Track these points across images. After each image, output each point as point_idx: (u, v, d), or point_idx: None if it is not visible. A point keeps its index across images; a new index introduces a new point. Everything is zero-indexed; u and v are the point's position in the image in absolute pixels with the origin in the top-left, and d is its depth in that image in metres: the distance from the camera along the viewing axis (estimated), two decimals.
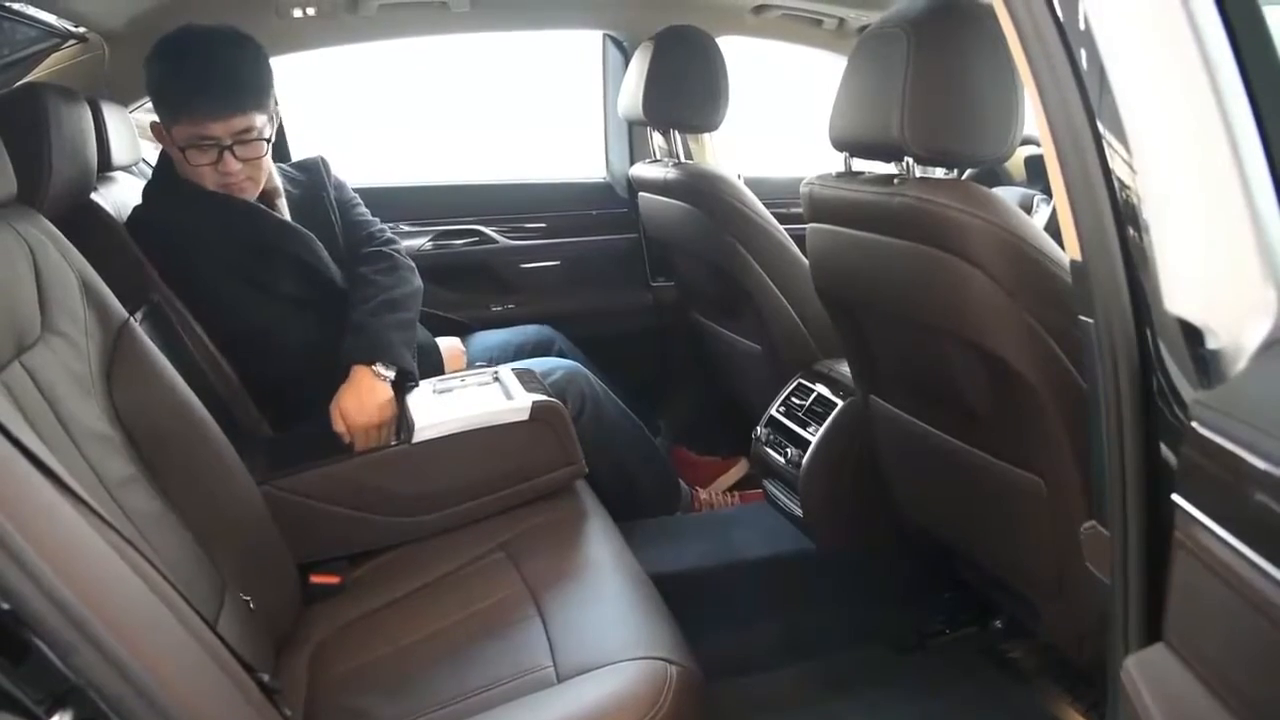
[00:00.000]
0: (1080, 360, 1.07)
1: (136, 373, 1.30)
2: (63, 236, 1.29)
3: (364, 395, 1.59)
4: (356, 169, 1.99)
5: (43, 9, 1.64)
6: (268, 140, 1.65)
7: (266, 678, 0.95)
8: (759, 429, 2.00)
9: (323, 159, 1.90)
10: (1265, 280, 0.64)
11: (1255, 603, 0.58)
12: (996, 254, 1.19)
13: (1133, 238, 0.79)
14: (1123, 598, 0.84)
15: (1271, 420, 0.60)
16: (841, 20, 2.47)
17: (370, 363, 1.62)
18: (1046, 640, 1.59)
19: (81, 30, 1.84)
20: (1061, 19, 0.81)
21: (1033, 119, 0.89)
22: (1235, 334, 0.66)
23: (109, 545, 0.84)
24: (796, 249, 1.94)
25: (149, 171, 1.88)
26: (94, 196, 1.62)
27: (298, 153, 2.18)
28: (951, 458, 1.45)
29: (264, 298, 1.66)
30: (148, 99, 2.01)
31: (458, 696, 1.15)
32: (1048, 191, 2.16)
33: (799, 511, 1.85)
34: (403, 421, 1.58)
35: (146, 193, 1.72)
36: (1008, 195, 1.79)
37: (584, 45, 2.63)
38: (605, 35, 2.55)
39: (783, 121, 3.48)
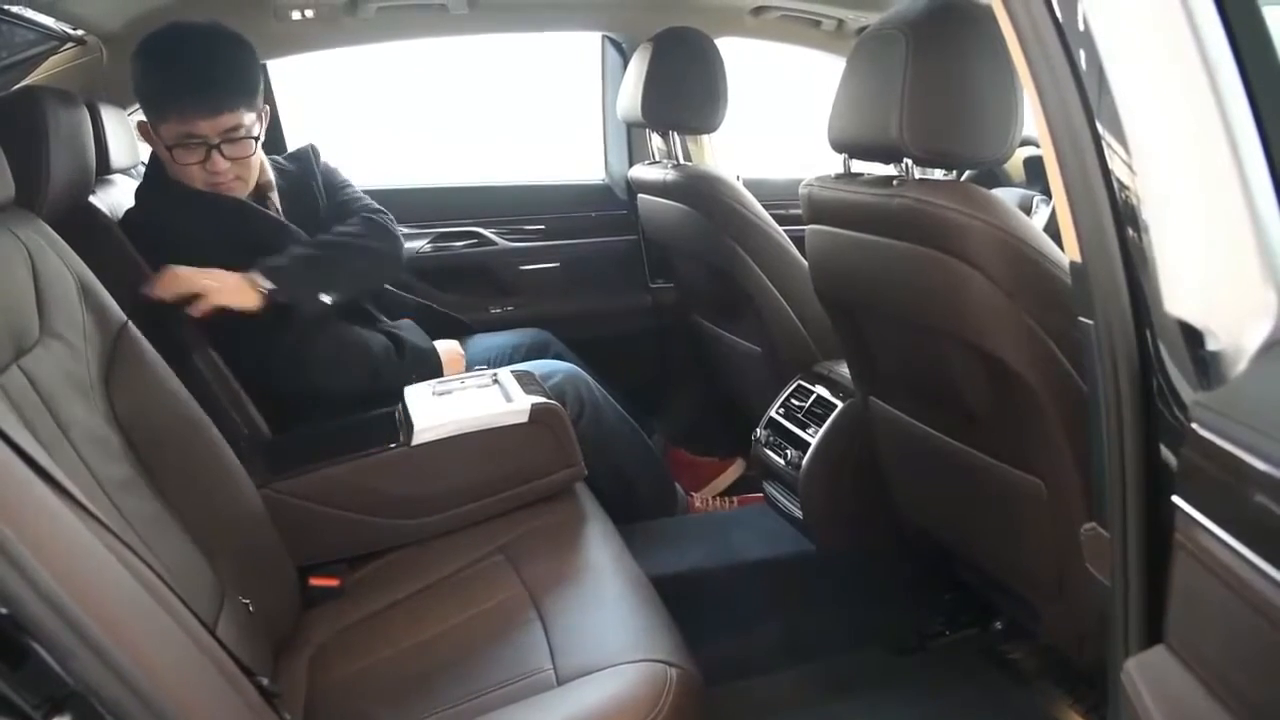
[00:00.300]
0: (1080, 362, 1.07)
1: (135, 376, 1.30)
2: (61, 240, 1.29)
3: (231, 279, 1.58)
4: (355, 170, 1.99)
5: (40, 12, 1.64)
6: (256, 139, 1.65)
7: (266, 681, 0.95)
8: (759, 430, 1.99)
9: (313, 147, 1.90)
10: (1265, 282, 0.64)
11: (1255, 604, 0.58)
12: (996, 255, 1.19)
13: (1132, 239, 0.79)
14: (1123, 600, 0.84)
15: (1272, 422, 0.60)
16: (840, 22, 2.47)
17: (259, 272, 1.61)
18: (1047, 642, 1.59)
19: (79, 33, 1.84)
20: (1060, 20, 0.81)
21: (1032, 120, 0.89)
22: (1235, 335, 0.66)
23: (107, 549, 0.83)
24: (796, 250, 1.94)
25: None
26: (92, 199, 1.62)
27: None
28: (951, 459, 1.45)
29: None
30: None
31: (457, 699, 1.15)
32: (1047, 193, 2.15)
33: (799, 513, 1.85)
34: (403, 423, 1.58)
35: (138, 194, 1.73)
36: (1007, 196, 1.79)
37: (583, 47, 2.63)
38: (604, 37, 2.55)
39: (783, 122, 3.48)
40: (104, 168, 1.67)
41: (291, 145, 2.28)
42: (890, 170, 1.37)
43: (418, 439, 1.52)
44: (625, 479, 1.95)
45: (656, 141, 2.34)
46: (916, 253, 1.29)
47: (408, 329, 1.92)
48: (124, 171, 1.86)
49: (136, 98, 1.65)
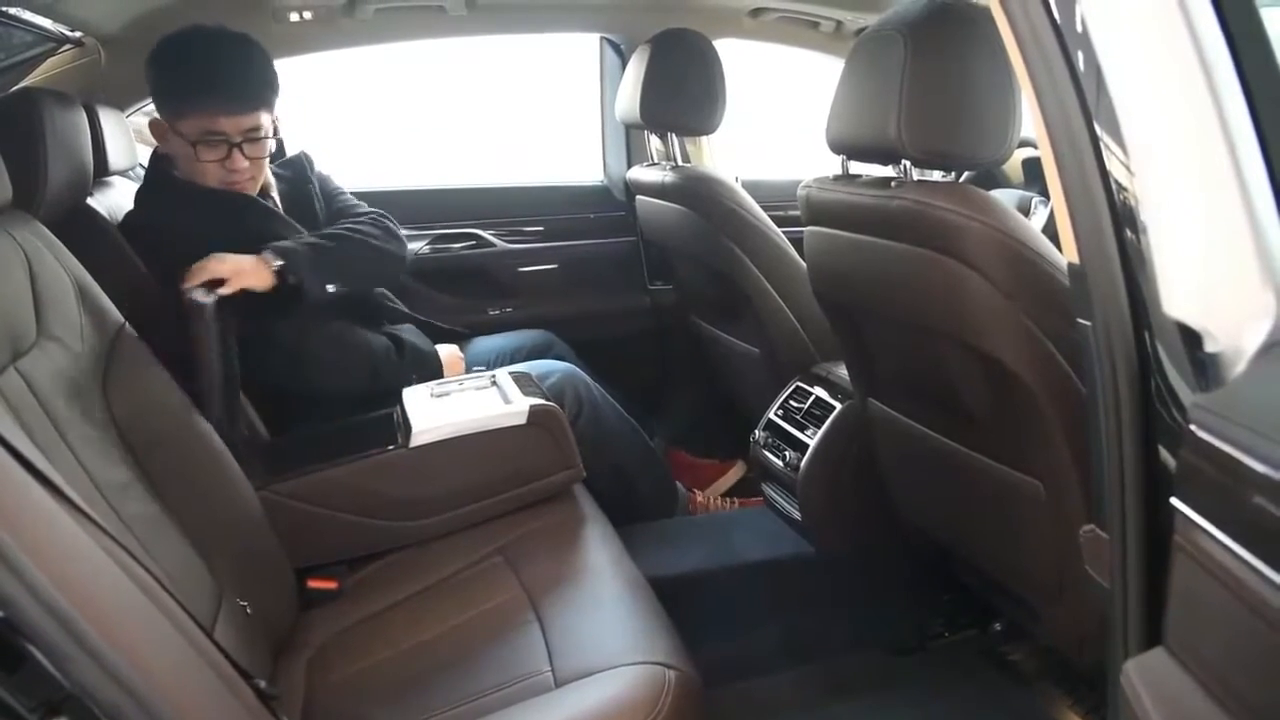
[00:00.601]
0: (1078, 363, 1.07)
1: (133, 378, 1.30)
2: (58, 242, 1.29)
3: (245, 260, 1.58)
4: (353, 172, 1.99)
5: (38, 13, 1.64)
6: (274, 140, 1.68)
7: (263, 684, 0.95)
8: (757, 432, 1.99)
9: (305, 154, 1.91)
10: (1264, 283, 0.64)
11: (1254, 606, 0.58)
12: (994, 256, 1.19)
13: (1130, 240, 0.79)
14: (1122, 601, 0.84)
15: (1270, 423, 0.60)
16: (839, 23, 2.47)
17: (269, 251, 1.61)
18: (1046, 643, 1.59)
19: (77, 35, 1.84)
20: (1059, 21, 0.81)
21: (1030, 121, 0.89)
22: (1234, 337, 0.66)
23: (104, 552, 0.83)
24: (794, 252, 1.93)
25: None
26: (90, 201, 1.62)
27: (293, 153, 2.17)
28: (950, 460, 1.45)
29: (261, 294, 1.65)
30: (144, 103, 2.01)
31: (456, 701, 1.15)
32: (1045, 194, 2.15)
33: (798, 515, 1.85)
34: (401, 425, 1.58)
35: (139, 197, 1.72)
36: (1005, 198, 1.79)
37: (582, 48, 2.63)
38: (602, 38, 2.55)
39: (781, 123, 3.48)
40: (102, 170, 1.67)
41: (290, 147, 2.29)
42: (888, 172, 1.37)
43: (416, 441, 1.52)
44: (625, 477, 1.95)
45: (655, 143, 2.34)
46: (915, 254, 1.29)
47: (409, 330, 1.92)
48: (122, 173, 1.86)
49: (154, 93, 1.66)
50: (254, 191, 1.70)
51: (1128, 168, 0.77)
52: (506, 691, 1.15)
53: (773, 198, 2.30)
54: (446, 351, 1.94)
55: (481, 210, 2.52)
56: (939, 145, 1.26)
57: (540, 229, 2.55)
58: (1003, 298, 1.19)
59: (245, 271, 1.57)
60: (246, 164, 1.64)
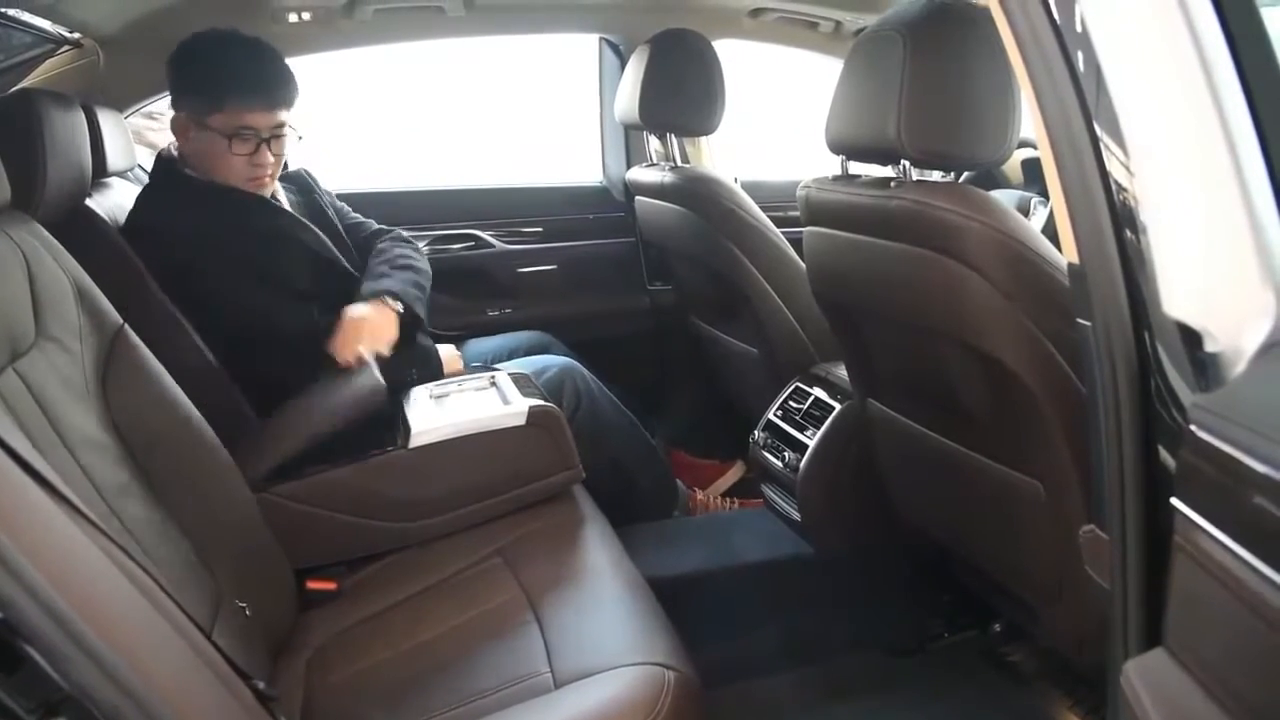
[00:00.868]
0: (1078, 363, 1.07)
1: (132, 379, 1.29)
2: (57, 243, 1.28)
3: (372, 312, 1.66)
4: (353, 173, 1.99)
5: (37, 15, 1.64)
6: (295, 137, 1.72)
7: (262, 685, 0.95)
8: (756, 433, 1.99)
9: (306, 170, 1.94)
10: (1264, 283, 0.64)
11: (1254, 606, 0.58)
12: (993, 257, 1.19)
13: (1130, 240, 0.79)
14: (1122, 602, 0.84)
15: (1270, 424, 0.60)
16: (838, 23, 2.47)
17: (381, 296, 1.70)
18: (1046, 644, 1.59)
19: (76, 36, 1.84)
20: (1058, 21, 0.81)
21: (1030, 121, 0.89)
22: (1234, 337, 0.66)
23: (103, 553, 0.83)
24: (793, 252, 1.93)
25: (144, 177, 1.87)
26: (88, 202, 1.61)
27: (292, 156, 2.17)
28: (950, 461, 1.45)
29: (272, 291, 1.66)
30: (143, 104, 2.02)
31: (455, 702, 1.15)
32: (1045, 194, 2.15)
33: (797, 515, 1.85)
34: (400, 426, 1.58)
35: (147, 196, 1.70)
36: (1005, 198, 1.79)
37: (581, 49, 2.63)
38: (601, 39, 2.55)
39: (781, 123, 3.48)
40: (100, 171, 1.67)
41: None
42: (888, 172, 1.37)
43: (415, 442, 1.52)
44: (624, 472, 1.95)
45: (654, 143, 2.34)
46: (914, 254, 1.29)
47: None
48: (121, 175, 1.86)
49: (184, 89, 1.66)
50: (269, 191, 1.74)
51: (1128, 168, 0.77)
52: (506, 692, 1.15)
53: (772, 198, 2.31)
54: (445, 351, 1.93)
55: (481, 211, 2.52)
56: (938, 145, 1.25)
57: (539, 230, 2.55)
58: (1002, 298, 1.19)
59: (380, 328, 1.65)
60: (272, 160, 1.68)
